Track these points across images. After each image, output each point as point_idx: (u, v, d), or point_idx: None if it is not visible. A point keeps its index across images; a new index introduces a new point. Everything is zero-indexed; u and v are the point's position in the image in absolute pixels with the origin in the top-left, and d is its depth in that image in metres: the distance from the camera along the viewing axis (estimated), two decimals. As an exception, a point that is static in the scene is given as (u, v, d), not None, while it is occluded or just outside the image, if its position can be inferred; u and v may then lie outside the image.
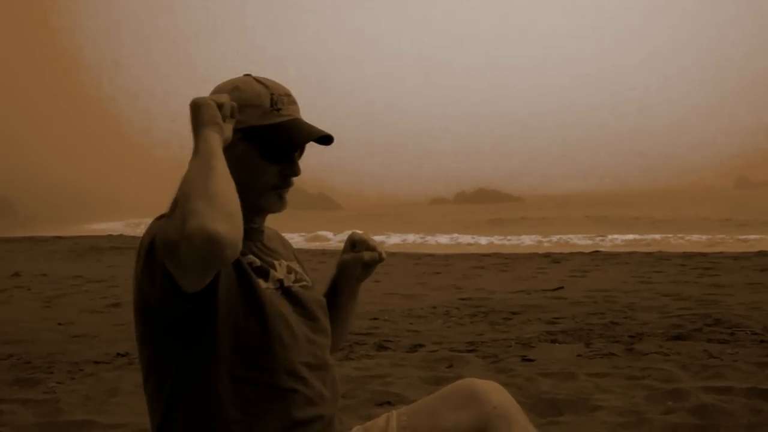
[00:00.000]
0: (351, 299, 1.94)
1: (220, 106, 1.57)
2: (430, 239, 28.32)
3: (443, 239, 27.81)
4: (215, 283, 1.54)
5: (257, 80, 1.69)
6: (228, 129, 1.58)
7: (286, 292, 1.71)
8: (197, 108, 1.55)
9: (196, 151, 1.50)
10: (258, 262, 1.68)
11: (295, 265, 1.80)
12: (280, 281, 1.71)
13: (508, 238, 26.84)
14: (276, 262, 1.73)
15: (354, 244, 1.89)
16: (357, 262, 1.87)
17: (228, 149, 1.63)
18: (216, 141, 1.51)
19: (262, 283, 1.66)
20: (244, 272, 1.64)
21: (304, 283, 1.78)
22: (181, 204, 1.41)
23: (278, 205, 1.73)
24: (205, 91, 1.69)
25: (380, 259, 1.87)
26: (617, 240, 23.53)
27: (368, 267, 1.89)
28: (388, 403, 3.78)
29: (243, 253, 1.65)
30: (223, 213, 1.39)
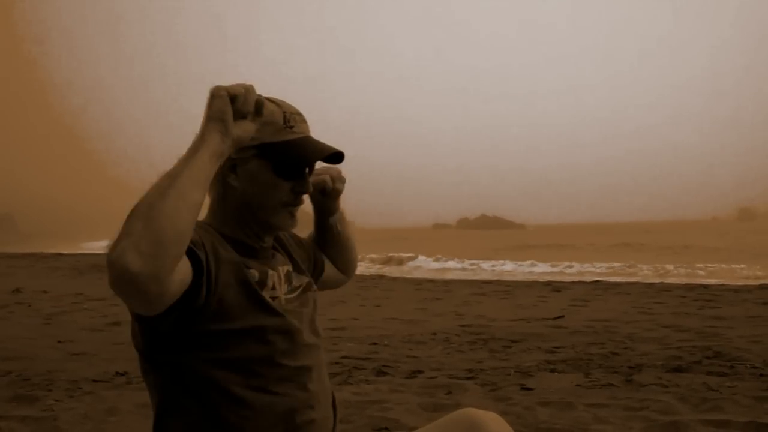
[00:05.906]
0: (344, 223, 2.06)
1: (233, 98, 1.49)
2: (451, 263, 28.47)
3: (446, 264, 27.94)
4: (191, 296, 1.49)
5: (268, 99, 1.68)
6: (241, 128, 1.52)
7: (280, 302, 1.71)
8: (210, 98, 1.49)
9: (186, 152, 1.44)
10: (257, 276, 1.68)
11: (293, 275, 1.80)
12: (274, 298, 1.70)
13: (506, 263, 26.93)
14: (275, 270, 1.74)
15: (323, 190, 1.95)
16: (336, 196, 1.99)
17: (242, 166, 1.66)
18: (207, 145, 1.45)
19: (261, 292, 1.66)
20: (248, 283, 1.63)
21: (297, 293, 1.78)
22: (128, 215, 1.34)
23: (289, 222, 1.74)
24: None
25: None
26: (618, 270, 23.48)
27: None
28: (386, 429, 3.79)
29: (248, 267, 1.66)
30: (152, 242, 1.30)
